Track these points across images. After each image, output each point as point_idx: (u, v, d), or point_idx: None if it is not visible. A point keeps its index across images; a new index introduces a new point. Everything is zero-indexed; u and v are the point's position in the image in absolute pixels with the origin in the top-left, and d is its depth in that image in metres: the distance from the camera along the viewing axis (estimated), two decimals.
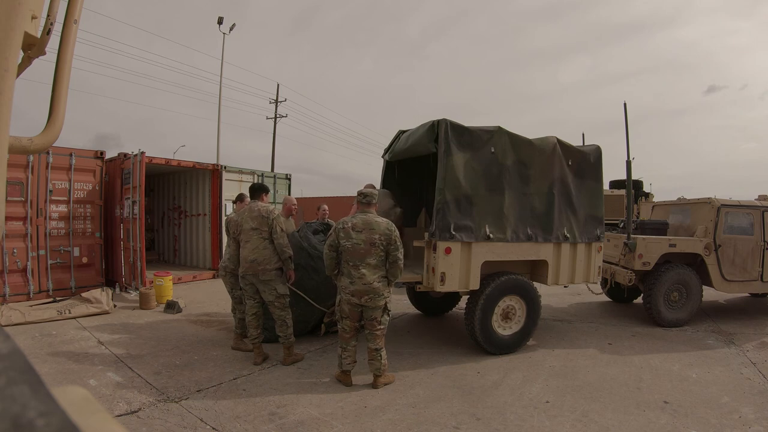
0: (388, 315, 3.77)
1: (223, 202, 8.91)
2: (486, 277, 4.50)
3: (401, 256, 3.65)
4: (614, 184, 13.05)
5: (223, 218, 8.88)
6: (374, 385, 3.67)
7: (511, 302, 4.62)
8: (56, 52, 1.01)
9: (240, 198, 5.75)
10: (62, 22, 1.01)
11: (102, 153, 7.32)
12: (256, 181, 9.58)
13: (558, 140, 5.02)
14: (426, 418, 3.16)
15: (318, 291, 4.68)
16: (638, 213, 12.15)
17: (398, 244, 3.63)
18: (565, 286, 5.32)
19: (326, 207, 6.23)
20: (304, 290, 4.63)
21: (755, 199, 6.66)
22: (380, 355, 3.67)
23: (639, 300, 6.46)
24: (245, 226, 4.14)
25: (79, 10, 1.02)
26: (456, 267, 4.32)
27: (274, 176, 10.15)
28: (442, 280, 4.26)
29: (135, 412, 3.13)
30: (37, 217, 6.46)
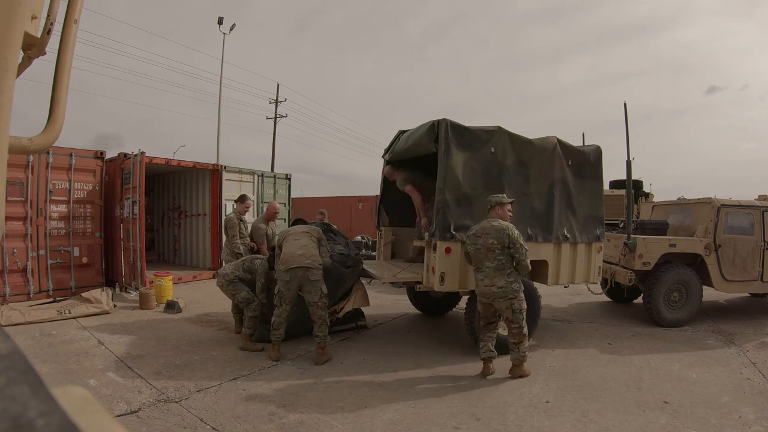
0: (521, 314, 3.92)
1: (223, 202, 8.91)
2: None
3: (523, 257, 3.86)
4: (614, 184, 13.04)
5: (223, 218, 8.90)
6: (510, 371, 3.96)
7: None
8: (56, 52, 1.00)
9: (242, 199, 5.77)
10: (62, 22, 1.01)
11: (102, 153, 7.32)
12: (257, 182, 9.61)
13: (558, 140, 5.02)
14: (426, 418, 3.16)
15: None
16: (638, 213, 12.15)
17: (517, 246, 3.85)
18: (565, 286, 5.32)
19: (325, 211, 6.29)
20: None
21: (755, 199, 6.66)
22: (517, 348, 3.93)
23: (639, 300, 6.46)
24: (295, 230, 4.45)
25: (79, 10, 1.02)
26: (456, 267, 4.32)
27: (274, 176, 10.16)
28: (442, 279, 4.27)
29: (135, 412, 3.12)
30: (37, 217, 6.46)
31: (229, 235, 5.52)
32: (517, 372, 3.94)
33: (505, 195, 4.14)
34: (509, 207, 4.08)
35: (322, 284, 4.25)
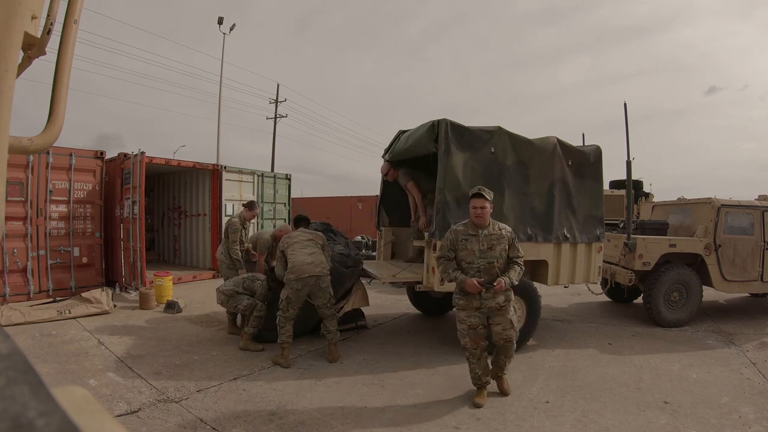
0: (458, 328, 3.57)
1: (223, 202, 8.91)
2: None
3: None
4: (614, 184, 13.03)
5: (223, 218, 8.89)
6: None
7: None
8: (56, 52, 1.00)
9: (251, 206, 5.75)
10: (62, 22, 1.01)
11: (102, 153, 7.32)
12: (257, 182, 9.61)
13: (558, 140, 5.02)
14: (426, 418, 3.16)
15: None
16: (638, 213, 12.14)
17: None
18: (565, 286, 5.32)
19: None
20: None
21: (755, 199, 6.66)
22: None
23: (639, 300, 6.46)
24: (300, 238, 4.39)
25: (79, 10, 1.02)
26: None
27: (274, 176, 10.16)
28: (442, 280, 4.26)
29: (135, 412, 3.12)
30: (37, 217, 6.45)
31: (230, 240, 5.50)
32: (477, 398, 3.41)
33: (477, 188, 3.40)
34: (473, 203, 3.37)
35: (330, 288, 4.35)
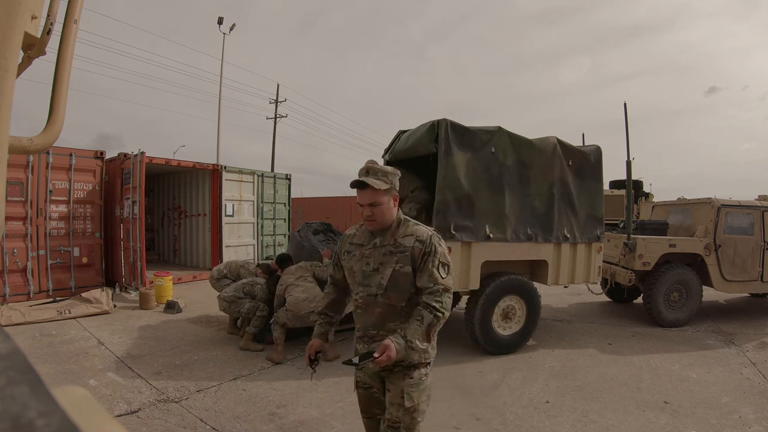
0: None
1: (223, 202, 8.91)
2: (486, 277, 4.49)
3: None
4: (614, 184, 13.03)
5: (224, 218, 8.91)
6: None
7: (511, 302, 4.62)
8: (56, 52, 1.00)
9: (266, 270, 5.78)
10: (62, 22, 1.01)
11: (102, 153, 7.31)
12: (257, 182, 9.61)
13: (558, 140, 5.02)
14: (426, 418, 3.15)
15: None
16: (638, 213, 12.15)
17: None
18: (565, 286, 5.33)
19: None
20: None
21: (755, 199, 6.66)
22: None
23: (639, 300, 6.46)
24: (290, 281, 4.48)
25: (80, 10, 1.02)
26: (456, 267, 4.32)
27: (274, 176, 10.16)
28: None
29: (135, 412, 3.12)
30: (37, 217, 6.45)
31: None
32: None
33: (363, 170, 1.82)
34: (357, 198, 1.85)
35: None
